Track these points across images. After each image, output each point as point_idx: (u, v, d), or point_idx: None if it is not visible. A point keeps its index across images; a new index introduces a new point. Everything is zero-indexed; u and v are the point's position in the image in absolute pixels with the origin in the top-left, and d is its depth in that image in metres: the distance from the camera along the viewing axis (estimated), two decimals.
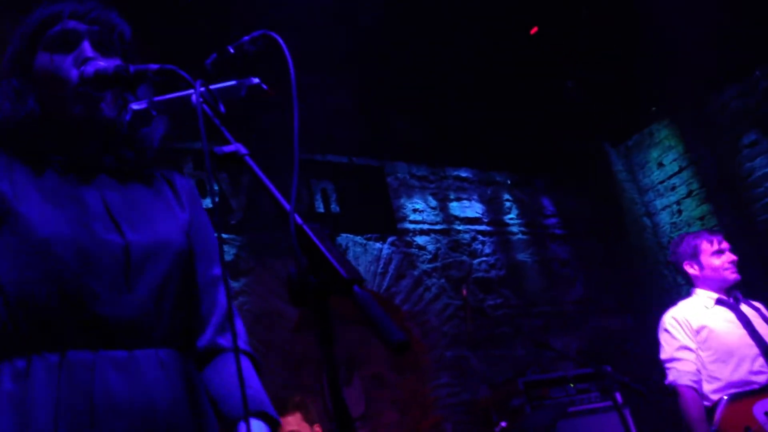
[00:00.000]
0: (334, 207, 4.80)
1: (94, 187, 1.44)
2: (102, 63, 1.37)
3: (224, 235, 4.23)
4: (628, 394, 4.41)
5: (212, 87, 1.30)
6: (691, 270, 3.42)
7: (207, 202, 4.25)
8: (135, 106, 1.33)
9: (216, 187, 4.32)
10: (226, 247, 4.22)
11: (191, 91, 1.22)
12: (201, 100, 1.18)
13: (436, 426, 4.59)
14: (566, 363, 4.90)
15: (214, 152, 1.17)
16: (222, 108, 1.25)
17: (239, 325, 1.63)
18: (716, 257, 3.35)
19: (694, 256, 3.40)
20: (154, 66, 1.29)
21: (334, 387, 1.05)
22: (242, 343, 1.59)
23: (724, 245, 3.38)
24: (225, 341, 1.55)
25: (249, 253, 4.25)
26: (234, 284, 4.20)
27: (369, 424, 4.66)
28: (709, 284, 3.37)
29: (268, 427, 1.46)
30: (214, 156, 1.17)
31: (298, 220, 1.08)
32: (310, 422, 3.26)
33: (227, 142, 1.17)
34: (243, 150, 1.18)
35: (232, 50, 1.35)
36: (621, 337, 5.53)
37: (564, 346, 5.16)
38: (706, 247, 3.38)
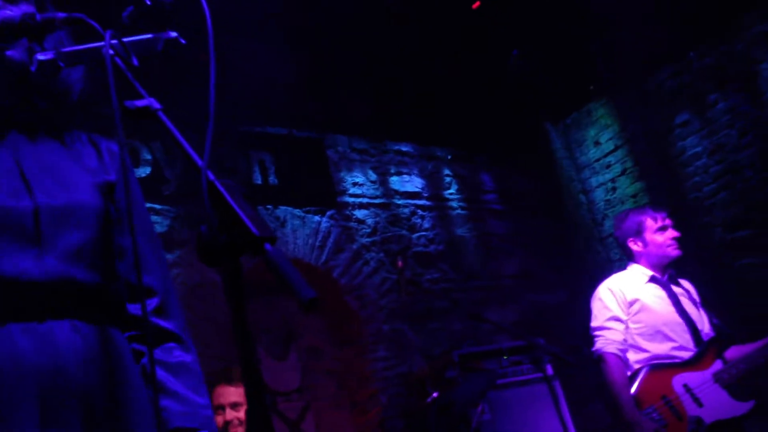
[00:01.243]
0: (273, 179, 4.74)
1: (5, 146, 1.38)
2: (8, 12, 1.30)
3: (157, 206, 4.13)
4: (559, 366, 4.53)
5: (127, 40, 1.25)
6: (635, 246, 3.48)
7: (142, 171, 4.15)
8: (41, 57, 1.27)
9: (145, 153, 4.21)
10: (159, 219, 4.13)
11: (102, 42, 1.17)
12: (110, 51, 1.13)
13: (371, 397, 4.62)
14: (501, 336, 4.98)
15: (125, 106, 1.12)
16: (135, 61, 1.20)
17: (175, 304, 1.58)
18: (660, 234, 3.41)
19: (639, 233, 3.45)
20: (61, 15, 1.23)
21: (245, 350, 1.02)
22: (180, 330, 1.55)
23: (668, 221, 3.44)
24: (168, 324, 1.50)
25: (183, 224, 4.17)
26: (168, 256, 4.12)
27: (305, 396, 4.66)
28: (649, 260, 3.44)
29: None
30: (125, 110, 1.12)
31: (210, 176, 1.05)
32: None
33: (141, 97, 1.13)
34: (156, 105, 1.14)
35: (149, 2, 1.30)
36: (555, 311, 5.64)
37: (500, 319, 5.23)
38: (651, 223, 3.43)
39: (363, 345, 4.79)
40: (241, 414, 3.12)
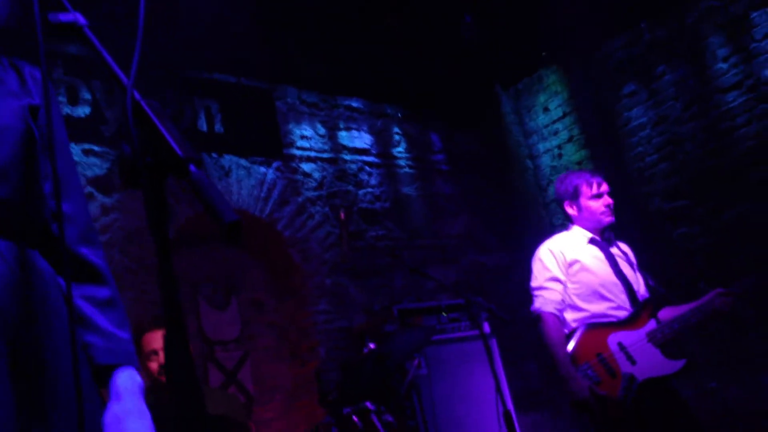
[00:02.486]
0: (219, 127, 4.65)
1: None
2: None
3: (96, 148, 4.02)
4: (496, 325, 4.62)
5: None
6: (570, 210, 3.54)
7: (82, 111, 4.01)
8: None
9: (84, 92, 4.07)
10: (98, 161, 4.02)
11: None
12: None
13: (311, 350, 4.65)
14: (442, 295, 5.05)
15: (47, 20, 1.08)
16: None
17: (96, 236, 1.55)
18: (594, 201, 3.46)
19: (574, 197, 3.51)
20: None
21: (165, 278, 1.00)
22: (103, 262, 1.51)
23: (603, 188, 3.49)
24: (92, 256, 1.47)
25: None
26: (106, 200, 4.03)
27: (244, 346, 4.65)
28: (585, 224, 3.51)
29: (137, 372, 1.42)
30: (48, 24, 1.07)
31: (136, 95, 1.01)
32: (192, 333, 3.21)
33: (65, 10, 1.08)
34: (82, 20, 1.09)
35: None
36: (496, 272, 5.74)
37: (441, 278, 5.30)
38: (586, 189, 3.48)
39: (305, 298, 4.80)
40: None
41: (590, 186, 3.48)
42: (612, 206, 3.48)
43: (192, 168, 0.96)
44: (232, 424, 2.91)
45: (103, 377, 1.39)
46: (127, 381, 1.38)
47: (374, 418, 2.80)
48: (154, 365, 3.09)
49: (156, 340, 3.12)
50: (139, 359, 3.09)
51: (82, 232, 1.47)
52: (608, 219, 3.46)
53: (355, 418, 2.75)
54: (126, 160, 0.99)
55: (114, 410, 1.34)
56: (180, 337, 0.91)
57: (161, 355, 3.09)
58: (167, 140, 0.97)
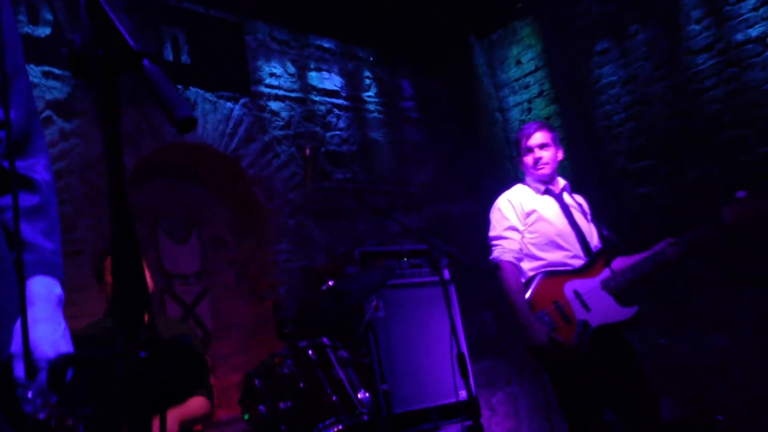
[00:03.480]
0: (185, 58, 4.54)
1: None
2: None
3: (57, 71, 3.90)
4: (455, 274, 4.67)
5: None
6: (519, 163, 3.61)
7: (42, 31, 3.88)
8: None
9: (45, 12, 3.93)
10: (58, 84, 3.91)
11: None
12: None
13: (270, 288, 4.65)
14: (404, 241, 5.08)
15: None
16: None
17: (37, 143, 1.49)
18: (527, 155, 3.54)
19: (518, 151, 3.61)
20: None
21: (112, 171, 0.97)
22: (44, 170, 1.47)
23: (533, 141, 3.52)
24: (20, 164, 1.42)
25: (85, 93, 3.96)
26: (66, 125, 3.93)
27: (203, 281, 4.64)
28: (532, 177, 3.56)
29: (58, 283, 1.39)
30: None
31: None
32: (150, 272, 3.20)
33: None
34: None
35: None
36: (459, 222, 5.78)
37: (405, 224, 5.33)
38: (523, 143, 3.56)
39: (267, 237, 4.78)
40: None
41: (523, 140, 3.55)
42: (542, 160, 3.51)
43: (146, 62, 0.93)
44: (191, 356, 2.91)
45: None
46: (41, 288, 1.35)
47: (329, 353, 2.83)
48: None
49: None
50: (102, 279, 3.07)
51: (15, 139, 1.43)
52: (540, 173, 3.52)
53: (310, 351, 2.78)
54: (76, 51, 0.96)
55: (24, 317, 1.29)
56: (126, 220, 0.90)
57: None
58: (120, 32, 0.94)
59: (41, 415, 0.82)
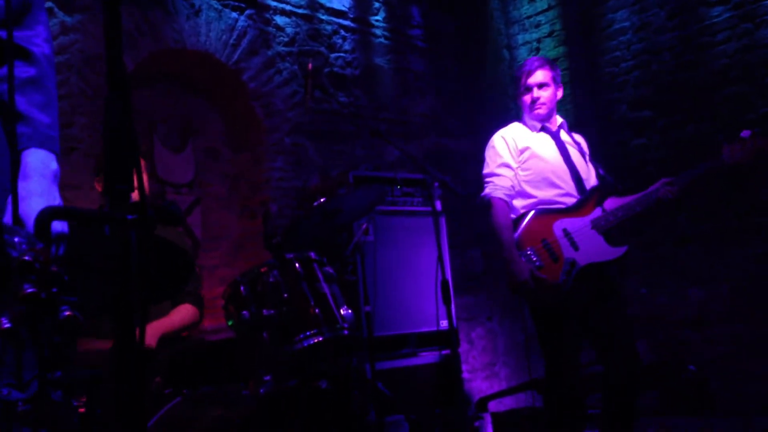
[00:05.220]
0: None
1: None
2: None
3: None
4: (447, 208, 4.70)
5: None
6: (518, 99, 3.55)
7: None
8: None
9: None
10: None
11: None
12: None
13: (262, 204, 4.67)
14: (399, 169, 5.07)
15: None
16: None
17: (35, 16, 1.46)
18: (524, 94, 3.48)
19: (517, 88, 3.54)
20: None
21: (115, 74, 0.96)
22: (43, 42, 1.44)
23: (533, 80, 3.45)
24: (14, 35, 1.39)
25: None
26: (67, 19, 3.86)
27: (195, 192, 4.65)
28: (530, 115, 3.52)
29: (54, 157, 1.37)
30: None
31: None
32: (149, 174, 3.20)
33: None
34: None
35: None
36: (457, 157, 5.77)
37: (402, 155, 5.31)
38: (523, 81, 3.49)
39: (262, 153, 4.76)
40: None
41: (522, 77, 3.49)
42: (540, 100, 3.45)
43: None
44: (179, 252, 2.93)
45: None
46: (37, 162, 1.34)
47: (315, 267, 2.86)
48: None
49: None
50: (94, 179, 3.07)
51: (16, 8, 1.39)
52: (536, 112, 3.47)
53: (297, 264, 2.80)
54: None
55: (20, 190, 1.30)
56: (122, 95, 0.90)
57: None
58: None
59: (26, 257, 0.83)
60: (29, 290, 0.80)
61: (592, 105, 5.80)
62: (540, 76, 3.46)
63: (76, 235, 1.26)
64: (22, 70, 1.38)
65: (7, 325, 0.79)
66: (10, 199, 1.27)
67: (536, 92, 3.45)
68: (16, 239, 0.89)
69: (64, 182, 3.63)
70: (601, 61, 5.77)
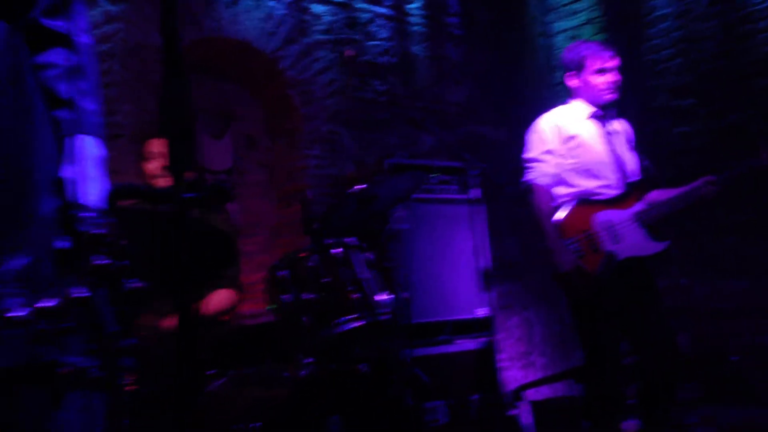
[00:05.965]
0: None
1: None
2: None
3: None
4: (485, 193, 4.67)
5: None
6: (572, 83, 3.47)
7: None
8: None
9: None
10: None
11: None
12: None
13: (298, 192, 4.70)
14: (435, 158, 5.06)
15: None
16: None
17: (75, 6, 1.49)
18: (598, 75, 3.38)
19: (579, 69, 3.43)
20: None
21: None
22: (84, 33, 1.46)
23: (611, 63, 3.39)
24: (60, 24, 1.42)
25: None
26: (111, 8, 3.92)
27: (234, 178, 4.70)
28: (585, 99, 3.45)
29: (101, 142, 1.40)
30: None
31: None
32: None
33: None
34: None
35: None
36: (491, 146, 5.74)
37: (437, 142, 5.31)
38: (591, 63, 3.39)
39: (299, 141, 4.80)
40: None
41: (598, 59, 3.38)
42: (618, 83, 3.40)
43: None
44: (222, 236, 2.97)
45: None
46: (84, 147, 1.36)
47: (354, 253, 2.87)
48: (151, 166, 3.15)
49: (156, 144, 3.16)
50: (140, 161, 3.14)
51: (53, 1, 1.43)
52: (608, 96, 3.40)
53: (336, 249, 2.81)
54: None
55: (64, 174, 1.32)
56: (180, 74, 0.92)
57: (160, 158, 3.14)
58: None
59: (97, 231, 0.86)
60: (100, 262, 0.82)
61: (632, 92, 5.71)
62: (616, 60, 3.39)
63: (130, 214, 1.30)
64: (66, 58, 1.41)
65: (83, 294, 0.82)
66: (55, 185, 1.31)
67: (616, 74, 3.38)
68: (86, 215, 0.92)
69: (110, 168, 3.70)
70: (641, 49, 5.68)
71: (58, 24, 1.41)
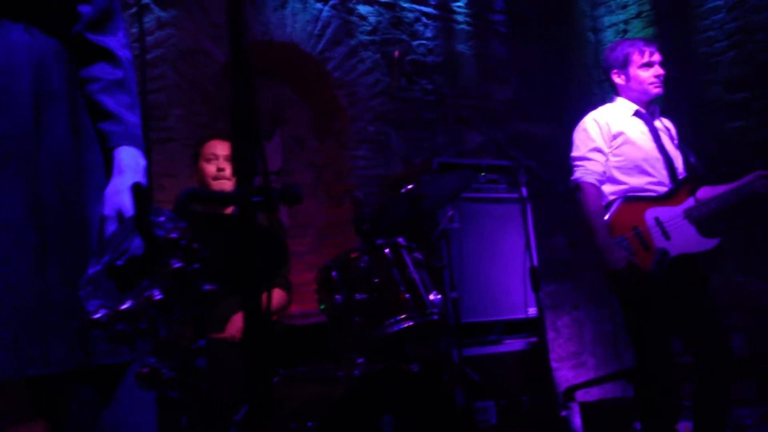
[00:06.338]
0: None
1: None
2: None
3: None
4: (531, 191, 4.63)
5: None
6: (618, 79, 3.45)
7: None
8: None
9: None
10: None
11: None
12: None
13: (347, 192, 4.73)
14: (482, 156, 5.04)
15: None
16: None
17: (116, 22, 1.54)
18: (644, 70, 3.36)
19: (624, 66, 3.41)
20: None
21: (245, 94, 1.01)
22: (116, 47, 1.52)
23: (655, 57, 3.38)
24: (102, 40, 1.48)
25: None
26: (163, 14, 4.00)
27: (283, 179, 4.76)
28: (631, 95, 3.43)
29: (142, 154, 1.46)
30: None
31: None
32: None
33: None
34: None
35: None
36: (541, 143, 5.68)
37: (484, 140, 5.29)
38: (637, 58, 3.38)
39: (346, 142, 4.83)
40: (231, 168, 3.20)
41: (642, 54, 3.37)
42: (662, 77, 3.38)
43: None
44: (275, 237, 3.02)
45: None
46: (129, 158, 1.43)
47: (405, 253, 2.88)
48: (211, 167, 3.21)
49: (215, 146, 3.22)
50: (196, 163, 3.21)
51: (95, 15, 1.47)
52: (656, 90, 3.38)
53: (386, 249, 2.83)
54: None
55: (114, 183, 1.39)
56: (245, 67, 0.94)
57: (220, 160, 3.19)
58: None
59: (173, 235, 0.89)
60: (176, 265, 0.86)
61: (684, 86, 5.60)
62: (658, 55, 3.39)
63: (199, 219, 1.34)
64: (109, 72, 1.47)
65: (159, 297, 0.86)
66: (107, 193, 1.37)
67: (659, 69, 3.37)
68: (161, 219, 0.96)
69: (161, 171, 3.80)
70: (694, 42, 5.56)
71: (101, 39, 1.47)
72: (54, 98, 1.38)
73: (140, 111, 1.53)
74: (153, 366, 0.84)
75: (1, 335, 1.21)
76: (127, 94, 1.47)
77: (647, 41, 3.45)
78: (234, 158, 0.95)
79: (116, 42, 1.49)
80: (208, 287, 0.89)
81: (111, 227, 1.33)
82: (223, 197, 0.97)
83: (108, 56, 1.47)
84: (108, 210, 1.35)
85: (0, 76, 1.30)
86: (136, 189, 0.93)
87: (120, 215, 1.34)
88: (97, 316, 0.84)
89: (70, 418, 1.36)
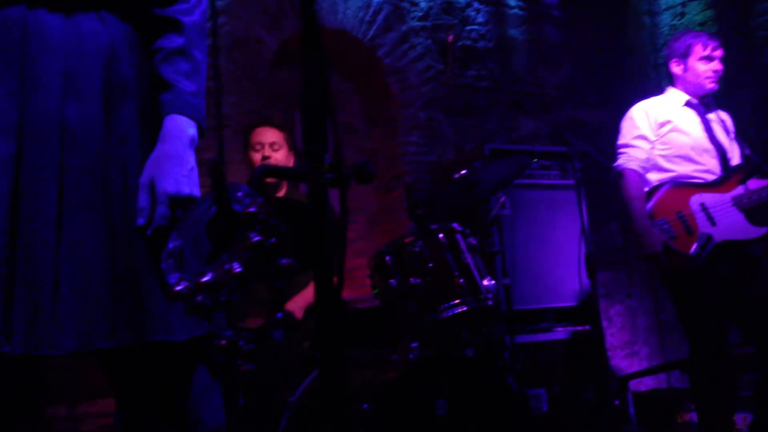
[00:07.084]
0: None
1: None
2: None
3: None
4: (584, 178, 4.56)
5: None
6: (676, 68, 3.45)
7: None
8: None
9: None
10: None
11: None
12: None
13: (398, 178, 4.74)
14: (534, 142, 4.98)
15: None
16: None
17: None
18: (703, 63, 3.35)
19: (684, 56, 3.40)
20: None
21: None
22: (191, 10, 1.52)
23: (717, 53, 3.37)
24: (167, 10, 1.49)
25: None
26: (218, 2, 4.06)
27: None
28: (686, 86, 3.42)
29: (194, 124, 1.44)
30: None
31: None
32: (291, 147, 3.32)
33: None
34: None
35: None
36: (593, 129, 5.59)
37: (537, 126, 5.23)
38: (698, 50, 3.37)
39: (397, 128, 4.83)
40: (279, 155, 3.22)
41: (705, 47, 3.36)
42: (720, 73, 3.36)
43: None
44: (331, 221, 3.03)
45: None
46: (175, 126, 1.41)
47: (459, 238, 2.87)
48: (257, 156, 3.24)
49: (262, 134, 3.24)
50: (246, 151, 3.23)
51: None
52: (711, 85, 3.36)
53: (441, 234, 2.82)
54: None
55: (155, 152, 1.39)
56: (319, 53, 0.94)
57: (266, 149, 3.22)
58: None
59: (251, 209, 0.91)
60: (256, 239, 0.87)
61: (744, 72, 5.43)
62: (720, 51, 3.37)
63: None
64: (171, 41, 1.46)
65: (239, 269, 0.87)
66: (147, 162, 1.38)
67: (719, 64, 3.36)
68: (239, 194, 0.97)
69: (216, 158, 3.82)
70: (753, 25, 5.39)
71: (167, 9, 1.48)
72: (124, 88, 1.40)
73: (205, 73, 1.51)
74: (230, 338, 0.86)
75: (72, 308, 1.25)
76: (187, 60, 1.45)
77: (712, 36, 3.45)
78: (304, 135, 0.96)
79: (183, 6, 1.49)
80: (285, 261, 0.90)
81: (143, 196, 1.33)
82: (297, 173, 0.99)
83: (174, 25, 1.47)
84: (143, 178, 1.36)
85: (71, 64, 1.34)
86: (213, 166, 0.94)
87: (152, 184, 1.34)
88: (179, 288, 0.86)
89: (139, 395, 1.39)
